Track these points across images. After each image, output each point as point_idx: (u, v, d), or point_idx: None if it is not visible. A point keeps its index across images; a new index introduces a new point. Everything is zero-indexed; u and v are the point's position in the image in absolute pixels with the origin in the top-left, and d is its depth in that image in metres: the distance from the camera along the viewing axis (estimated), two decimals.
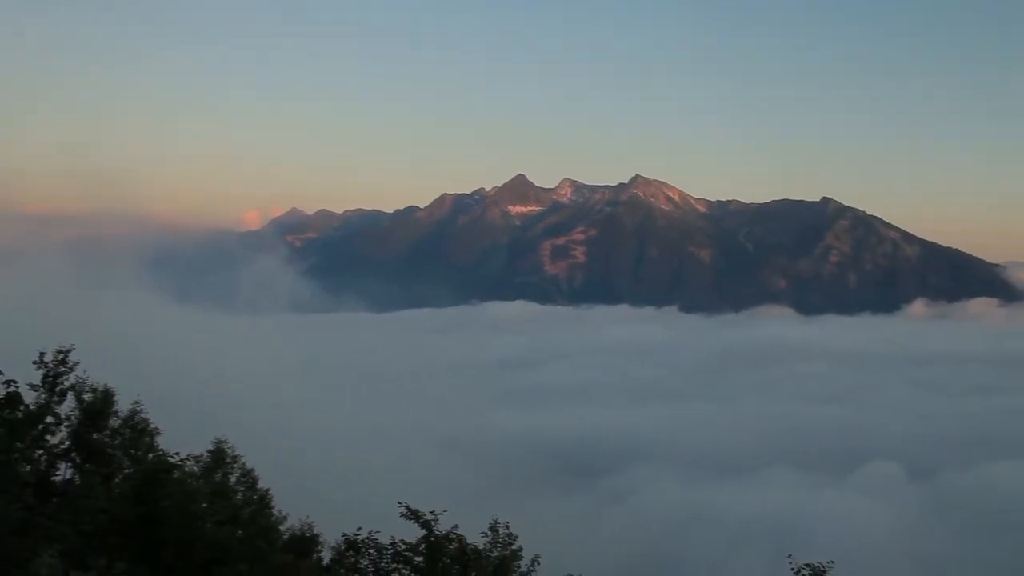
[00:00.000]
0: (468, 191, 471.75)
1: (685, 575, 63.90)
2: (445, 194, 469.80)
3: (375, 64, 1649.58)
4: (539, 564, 20.13)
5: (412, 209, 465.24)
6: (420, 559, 19.12)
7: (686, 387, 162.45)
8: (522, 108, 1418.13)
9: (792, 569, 18.17)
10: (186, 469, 21.12)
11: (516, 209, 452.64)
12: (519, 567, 20.02)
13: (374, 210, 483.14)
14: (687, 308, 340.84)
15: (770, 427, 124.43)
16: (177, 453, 20.56)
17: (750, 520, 77.80)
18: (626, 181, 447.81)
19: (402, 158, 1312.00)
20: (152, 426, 22.11)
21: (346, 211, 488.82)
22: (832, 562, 18.21)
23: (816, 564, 18.02)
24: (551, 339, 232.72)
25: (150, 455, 20.90)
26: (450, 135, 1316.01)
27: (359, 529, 19.40)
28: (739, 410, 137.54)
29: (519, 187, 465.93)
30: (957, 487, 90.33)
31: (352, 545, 19.67)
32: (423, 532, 19.15)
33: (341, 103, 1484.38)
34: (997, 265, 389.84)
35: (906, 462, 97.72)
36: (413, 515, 19.22)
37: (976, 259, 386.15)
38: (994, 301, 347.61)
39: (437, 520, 19.25)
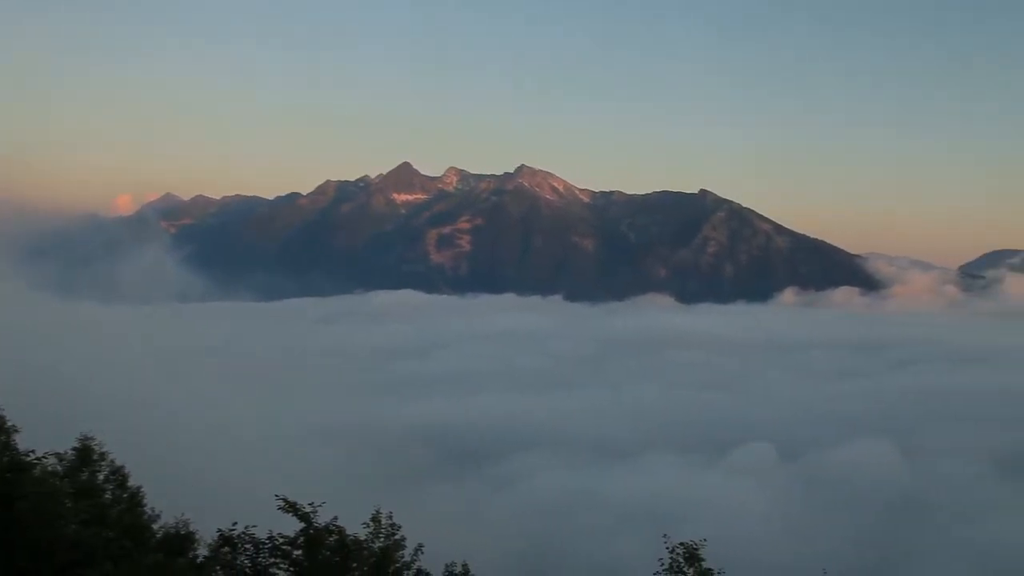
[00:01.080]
0: (352, 178, 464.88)
1: (571, 557, 64.93)
2: (328, 181, 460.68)
3: (251, 46, 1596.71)
4: (422, 553, 19.99)
5: (294, 196, 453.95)
6: (299, 553, 18.72)
7: (571, 375, 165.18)
8: (406, 96, 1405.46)
9: (668, 549, 18.63)
10: (48, 468, 19.90)
11: (401, 197, 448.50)
12: (402, 557, 19.83)
13: (253, 196, 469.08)
14: (572, 297, 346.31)
15: (652, 412, 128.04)
16: (32, 451, 19.33)
17: (633, 503, 79.77)
18: (512, 171, 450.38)
19: (282, 144, 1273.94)
20: (9, 424, 20.70)
21: (224, 196, 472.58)
22: (705, 540, 18.76)
23: (690, 543, 18.51)
24: (437, 328, 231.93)
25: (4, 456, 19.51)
26: (332, 121, 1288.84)
27: (235, 524, 18.75)
28: (622, 396, 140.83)
29: (404, 175, 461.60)
30: (824, 464, 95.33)
31: (227, 541, 19.05)
32: (302, 525, 18.73)
33: (216, 85, 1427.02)
34: (859, 256, 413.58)
35: (778, 443, 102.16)
36: (291, 508, 18.80)
37: (840, 250, 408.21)
38: (856, 290, 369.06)
39: (316, 512, 18.89)
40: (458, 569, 20.69)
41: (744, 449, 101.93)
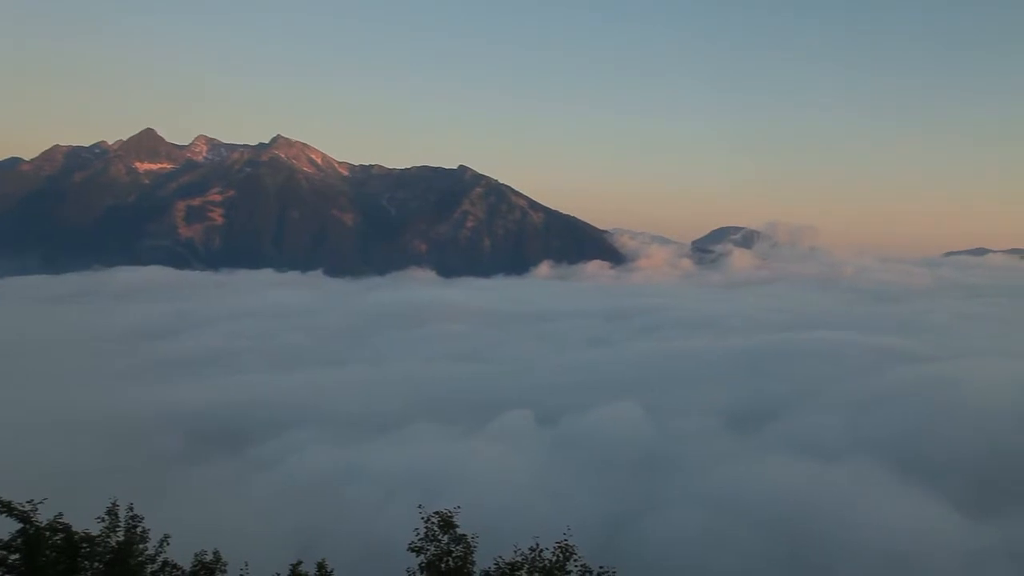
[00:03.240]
0: (86, 143, 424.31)
1: (339, 533, 64.39)
2: (56, 146, 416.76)
3: None
4: (168, 544, 19.21)
5: (15, 161, 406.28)
6: (17, 557, 17.26)
7: (334, 351, 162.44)
8: (149, 55, 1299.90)
9: (423, 519, 19.32)
10: None
11: (144, 166, 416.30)
12: (144, 550, 18.90)
13: None
14: (333, 272, 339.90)
15: (415, 385, 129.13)
16: None
17: (399, 475, 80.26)
18: (267, 141, 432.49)
19: None
20: None
21: None
22: (459, 507, 19.67)
23: (445, 511, 19.35)
24: (190, 306, 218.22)
25: None
26: (59, 78, 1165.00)
27: None
28: (386, 371, 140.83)
29: (148, 142, 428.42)
30: (578, 427, 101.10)
31: None
32: (20, 526, 17.34)
33: None
34: (606, 231, 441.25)
35: (536, 409, 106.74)
36: (5, 508, 17.21)
37: (590, 226, 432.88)
38: (605, 264, 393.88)
39: (36, 511, 17.46)
40: (208, 558, 19.80)
41: (504, 417, 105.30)
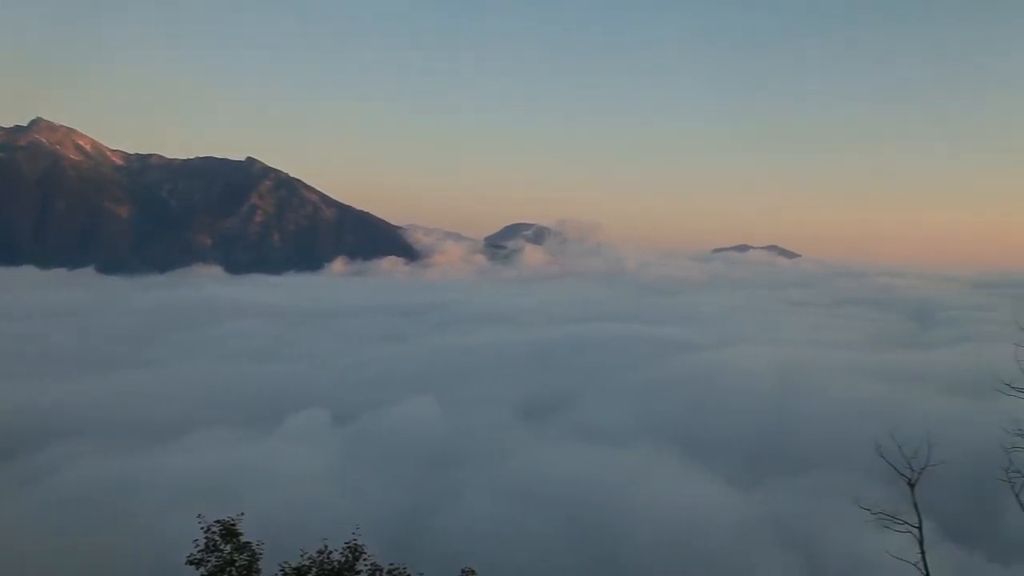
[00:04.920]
0: None
1: (118, 549, 59.62)
2: None
3: None
4: None
5: None
6: None
7: (111, 354, 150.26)
8: None
9: (202, 528, 18.27)
10: None
11: None
12: None
13: None
14: (105, 269, 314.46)
15: (202, 388, 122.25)
16: None
17: (186, 483, 75.60)
18: (24, 124, 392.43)
19: None
20: None
21: None
22: (242, 514, 18.70)
23: (227, 519, 18.36)
24: None
25: None
26: None
27: None
28: (171, 374, 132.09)
29: None
30: (375, 424, 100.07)
31: None
32: None
33: None
34: (400, 228, 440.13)
35: (332, 408, 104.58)
36: None
37: (383, 222, 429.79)
38: (400, 260, 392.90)
39: None
40: None
41: (298, 417, 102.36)
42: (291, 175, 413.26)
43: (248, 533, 18.41)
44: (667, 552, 62.91)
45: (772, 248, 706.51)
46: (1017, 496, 11.04)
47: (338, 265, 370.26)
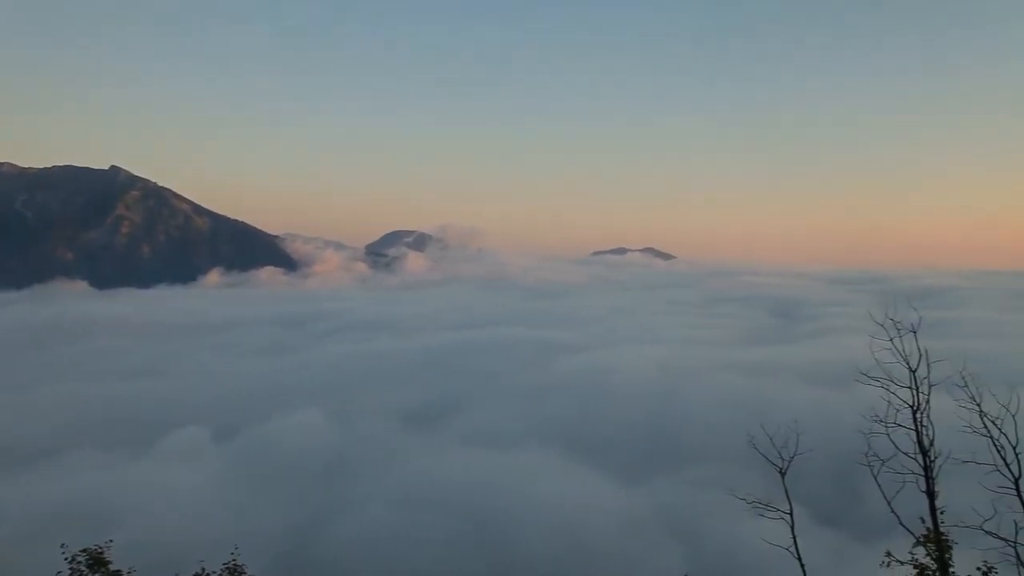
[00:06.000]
0: None
1: None
2: None
3: None
4: None
5: None
6: None
7: None
8: None
9: (66, 559, 17.61)
10: None
11: None
12: None
13: None
14: None
15: (71, 409, 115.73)
16: None
17: (52, 512, 71.48)
18: None
19: None
20: None
21: None
22: (111, 541, 18.15)
23: (94, 547, 17.79)
24: None
25: None
26: None
27: None
28: (35, 396, 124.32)
29: None
30: (260, 440, 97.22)
31: None
32: None
33: None
34: (278, 237, 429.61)
35: (212, 425, 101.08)
36: None
37: (260, 231, 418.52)
38: (279, 270, 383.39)
39: None
40: None
41: (176, 435, 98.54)
42: (160, 184, 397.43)
43: (120, 561, 17.72)
44: (558, 550, 64.03)
45: (648, 250, 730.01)
46: (876, 478, 12.00)
47: (213, 277, 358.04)
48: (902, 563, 11.63)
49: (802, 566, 12.45)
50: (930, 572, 11.38)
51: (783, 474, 12.87)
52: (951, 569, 11.56)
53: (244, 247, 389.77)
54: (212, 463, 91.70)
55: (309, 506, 78.07)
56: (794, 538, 12.62)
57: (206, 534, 64.62)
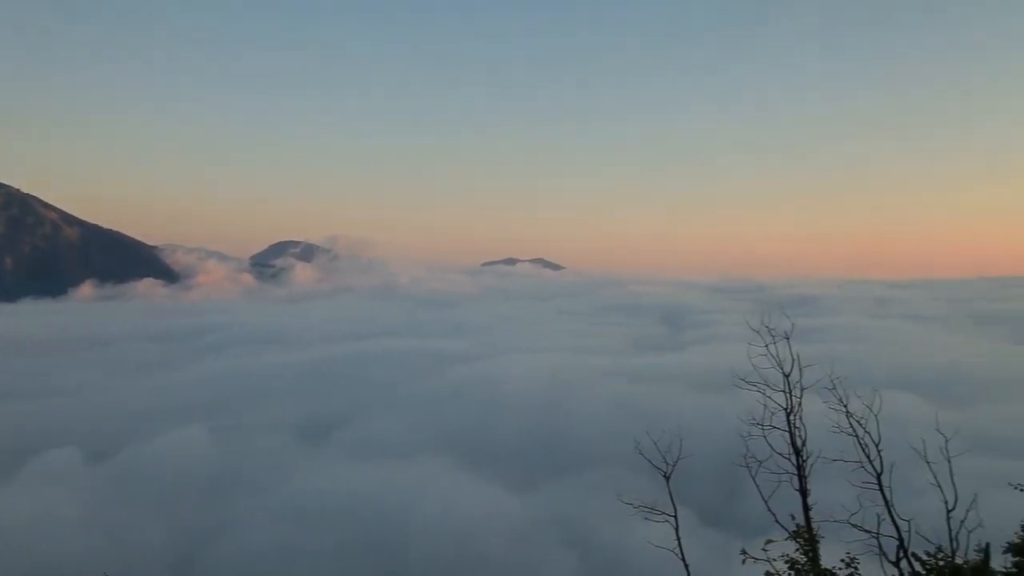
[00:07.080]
0: None
1: None
2: None
3: None
4: None
5: None
6: None
7: None
8: None
9: None
10: None
11: None
12: None
13: None
14: None
15: None
16: None
17: None
18: None
19: None
20: None
21: None
22: None
23: None
24: None
25: None
26: None
27: None
28: None
29: None
30: (139, 459, 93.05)
31: None
32: None
33: None
34: (156, 247, 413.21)
35: (85, 445, 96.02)
36: None
37: (137, 242, 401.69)
38: (158, 282, 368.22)
39: None
40: None
41: (44, 458, 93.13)
42: (23, 191, 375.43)
43: None
44: (451, 560, 64.02)
45: (538, 261, 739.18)
46: (754, 479, 12.58)
47: (86, 290, 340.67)
48: (756, 560, 12.16)
49: (686, 567, 12.94)
50: (800, 566, 12.01)
51: (667, 478, 13.35)
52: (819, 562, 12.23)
53: (119, 258, 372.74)
54: (85, 486, 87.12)
55: (193, 526, 75.38)
56: (678, 540, 13.10)
57: (77, 562, 61.64)
